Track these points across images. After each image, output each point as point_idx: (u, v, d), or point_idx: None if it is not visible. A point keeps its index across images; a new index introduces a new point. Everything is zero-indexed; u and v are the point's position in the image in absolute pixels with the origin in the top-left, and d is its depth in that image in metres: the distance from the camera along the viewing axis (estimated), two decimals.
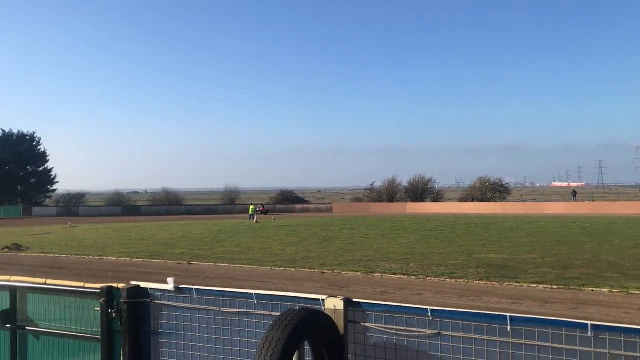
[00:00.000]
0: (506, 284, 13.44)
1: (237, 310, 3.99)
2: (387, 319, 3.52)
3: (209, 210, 72.28)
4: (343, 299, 3.63)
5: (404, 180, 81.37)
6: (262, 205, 66.59)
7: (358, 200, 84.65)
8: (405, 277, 14.87)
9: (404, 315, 3.47)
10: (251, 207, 56.08)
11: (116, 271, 16.28)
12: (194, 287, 4.22)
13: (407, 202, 73.53)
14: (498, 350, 3.20)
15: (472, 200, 71.91)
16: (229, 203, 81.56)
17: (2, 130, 78.52)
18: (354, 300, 3.67)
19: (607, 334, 2.99)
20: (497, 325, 3.21)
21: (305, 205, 78.05)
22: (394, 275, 15.14)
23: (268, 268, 17.24)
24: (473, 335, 3.28)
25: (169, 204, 80.00)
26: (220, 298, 4.08)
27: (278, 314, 3.67)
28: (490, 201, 70.89)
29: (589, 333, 3.01)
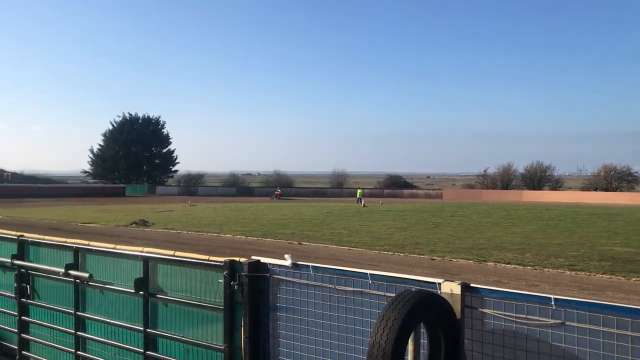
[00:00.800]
0: (634, 279, 12.49)
1: (351, 289, 4.06)
2: (506, 306, 3.42)
3: (317, 193, 73.75)
4: (460, 284, 3.57)
5: (519, 166, 77.78)
6: (278, 188, 67.42)
7: (470, 186, 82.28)
8: (521, 267, 14.29)
9: (525, 303, 3.35)
10: (358, 191, 56.38)
11: (232, 248, 17.15)
12: (310, 264, 4.35)
13: (523, 189, 70.33)
14: (630, 345, 3.00)
15: (596, 190, 67.20)
16: (337, 186, 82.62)
17: (129, 113, 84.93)
18: (472, 285, 3.60)
19: None
20: (629, 319, 3.01)
21: (414, 191, 77.17)
22: (509, 265, 14.59)
23: (376, 252, 17.30)
24: (601, 328, 3.10)
25: (280, 186, 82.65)
26: (336, 276, 4.17)
27: (393, 295, 3.69)
28: (616, 191, 65.82)
29: None
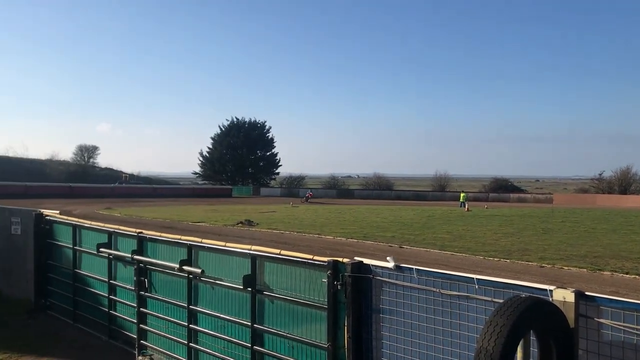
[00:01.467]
0: None
1: (457, 293, 3.99)
2: (626, 316, 3.20)
3: (418, 196, 72.74)
4: (574, 291, 3.40)
5: None
6: (310, 190, 65.77)
7: (583, 190, 77.55)
8: None
9: None
10: (462, 194, 54.88)
11: (333, 249, 17.34)
12: (414, 267, 4.32)
13: None
14: None
15: None
16: (439, 190, 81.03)
17: (237, 118, 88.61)
18: (587, 293, 3.41)
19: None
20: None
21: (522, 195, 73.97)
22: (627, 275, 13.56)
23: (481, 257, 16.76)
24: None
25: (380, 189, 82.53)
26: (440, 280, 4.11)
27: (500, 301, 3.57)
28: None
29: None
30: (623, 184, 70.35)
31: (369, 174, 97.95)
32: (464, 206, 46.95)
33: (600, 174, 75.37)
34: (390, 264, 4.44)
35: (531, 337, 3.34)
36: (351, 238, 21.32)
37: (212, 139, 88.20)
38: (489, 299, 3.79)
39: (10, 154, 74.49)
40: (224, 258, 6.31)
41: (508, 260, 16.09)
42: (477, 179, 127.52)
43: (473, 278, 3.91)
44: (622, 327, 3.21)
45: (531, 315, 3.10)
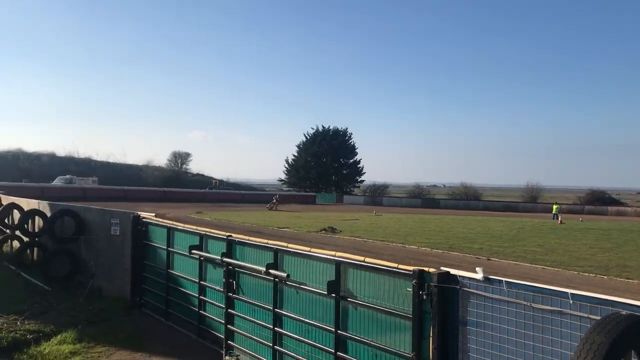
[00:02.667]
0: None
1: (549, 307, 3.82)
2: None
3: (508, 207, 70.14)
4: None
5: None
6: (277, 195, 57.81)
7: None
8: None
9: None
10: (555, 206, 52.35)
11: (417, 259, 17.09)
12: (504, 279, 4.19)
13: None
14: None
15: None
16: (530, 201, 77.81)
17: (322, 126, 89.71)
18: None
19: None
20: None
21: (621, 208, 69.41)
22: None
23: (575, 272, 15.89)
24: None
25: (467, 199, 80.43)
26: (532, 293, 3.96)
27: (597, 317, 3.39)
28: None
29: None
30: None
31: (455, 184, 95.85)
32: (557, 218, 44.77)
33: None
34: (479, 275, 4.33)
35: (633, 359, 3.14)
36: (436, 249, 20.90)
37: (298, 146, 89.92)
38: (585, 315, 3.61)
39: (111, 160, 79.68)
40: (309, 263, 6.41)
41: (605, 277, 15.14)
42: (572, 191, 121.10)
43: (567, 292, 3.74)
44: None
45: (633, 334, 2.92)
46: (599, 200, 76.09)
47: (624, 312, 3.19)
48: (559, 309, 3.77)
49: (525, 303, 3.97)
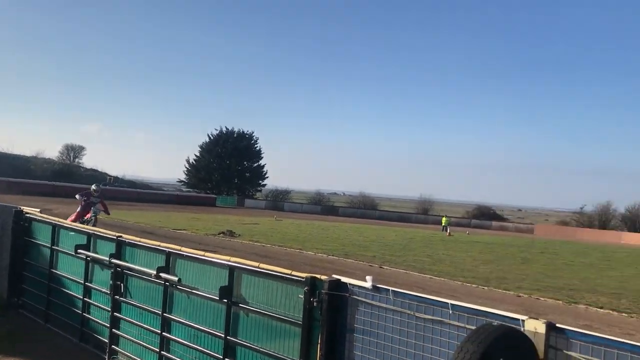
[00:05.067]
0: None
1: (431, 317, 4.01)
2: (595, 351, 3.24)
3: (402, 218, 73.07)
4: (545, 323, 3.44)
5: (620, 206, 73.22)
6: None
7: (564, 223, 78.32)
8: (615, 313, 13.38)
9: (616, 351, 3.16)
10: (444, 219, 55.20)
11: (313, 265, 17.32)
12: (390, 288, 4.34)
13: (623, 231, 65.86)
14: None
15: None
16: (422, 212, 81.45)
17: (226, 127, 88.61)
18: (558, 325, 3.45)
19: None
20: None
21: (503, 223, 74.57)
22: (601, 310, 13.70)
23: (459, 283, 16.84)
24: None
25: (364, 207, 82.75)
26: (416, 303, 4.13)
27: (473, 327, 3.61)
28: None
29: None
30: (603, 219, 71.25)
31: (354, 192, 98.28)
32: (446, 230, 47.22)
33: (581, 208, 76.41)
34: (368, 284, 4.46)
35: None
36: (332, 255, 21.31)
37: (200, 147, 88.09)
38: (463, 325, 3.82)
39: None
40: (202, 267, 6.28)
41: (486, 288, 16.18)
42: (461, 205, 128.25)
43: (447, 303, 3.94)
44: None
45: (502, 343, 3.14)
46: (484, 215, 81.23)
47: (495, 323, 3.42)
48: (440, 319, 3.96)
49: (410, 312, 4.13)
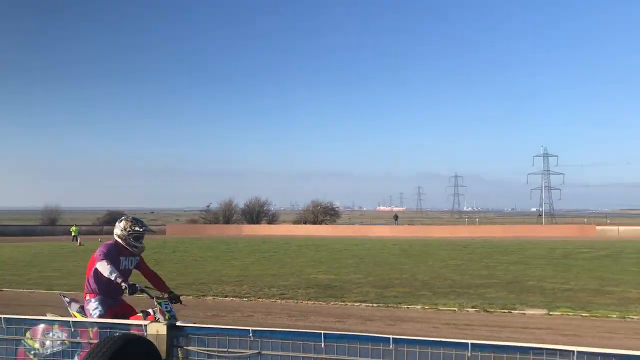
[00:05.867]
0: (332, 303, 14.12)
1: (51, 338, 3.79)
2: (210, 341, 3.61)
3: (25, 232, 65.70)
4: (166, 324, 3.65)
5: (240, 202, 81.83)
6: None
7: (193, 221, 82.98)
8: (238, 299, 14.92)
9: (227, 337, 3.58)
10: (73, 228, 52.10)
11: None
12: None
13: (243, 224, 73.80)
14: None
15: (305, 223, 74.45)
16: (50, 224, 75.03)
17: None
18: (178, 324, 3.71)
19: (405, 346, 3.39)
20: (312, 343, 3.47)
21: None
22: (226, 298, 15.10)
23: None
24: (291, 353, 3.50)
25: None
26: (31, 326, 3.85)
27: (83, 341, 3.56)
28: (321, 223, 74.00)
29: (390, 346, 3.39)
30: (227, 214, 78.37)
31: None
32: (77, 240, 44.65)
33: (208, 206, 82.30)
34: None
35: None
36: None
37: None
38: (85, 341, 3.73)
39: None
40: None
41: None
42: (93, 212, 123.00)
43: (69, 321, 3.79)
44: (206, 352, 3.60)
45: (123, 354, 3.19)
46: (115, 221, 79.65)
47: (117, 333, 3.46)
48: (63, 339, 3.78)
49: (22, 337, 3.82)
